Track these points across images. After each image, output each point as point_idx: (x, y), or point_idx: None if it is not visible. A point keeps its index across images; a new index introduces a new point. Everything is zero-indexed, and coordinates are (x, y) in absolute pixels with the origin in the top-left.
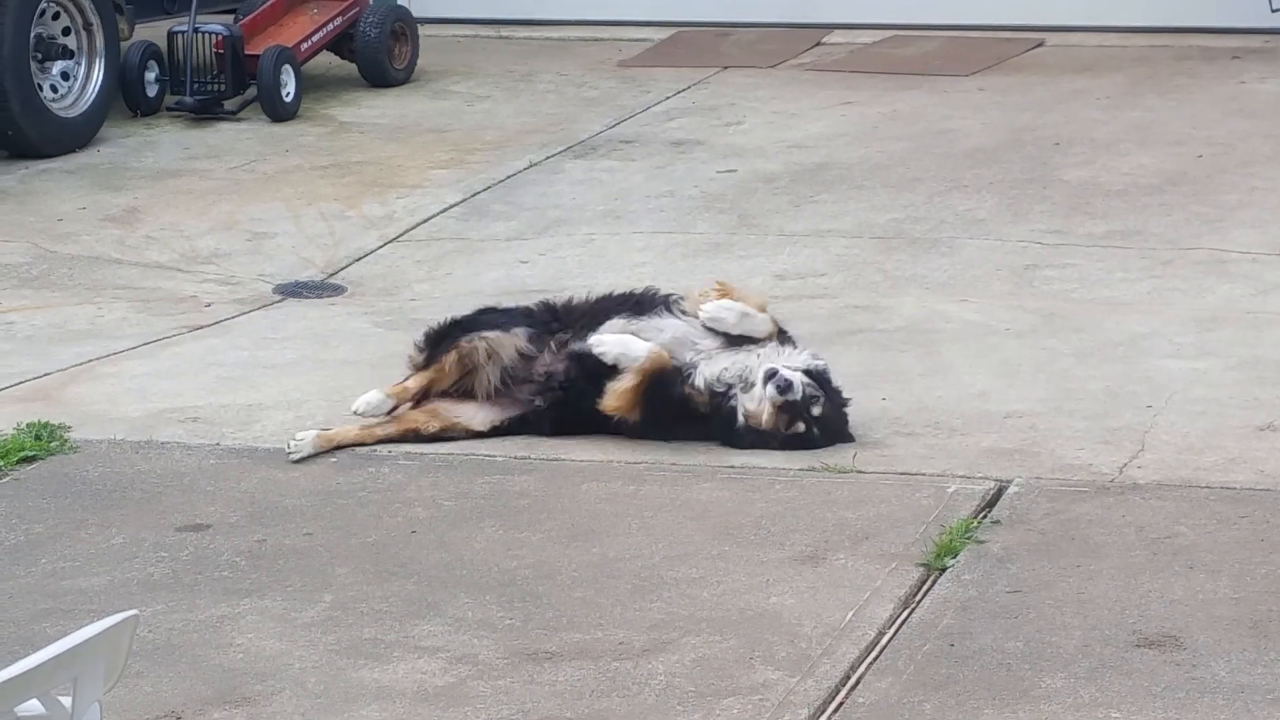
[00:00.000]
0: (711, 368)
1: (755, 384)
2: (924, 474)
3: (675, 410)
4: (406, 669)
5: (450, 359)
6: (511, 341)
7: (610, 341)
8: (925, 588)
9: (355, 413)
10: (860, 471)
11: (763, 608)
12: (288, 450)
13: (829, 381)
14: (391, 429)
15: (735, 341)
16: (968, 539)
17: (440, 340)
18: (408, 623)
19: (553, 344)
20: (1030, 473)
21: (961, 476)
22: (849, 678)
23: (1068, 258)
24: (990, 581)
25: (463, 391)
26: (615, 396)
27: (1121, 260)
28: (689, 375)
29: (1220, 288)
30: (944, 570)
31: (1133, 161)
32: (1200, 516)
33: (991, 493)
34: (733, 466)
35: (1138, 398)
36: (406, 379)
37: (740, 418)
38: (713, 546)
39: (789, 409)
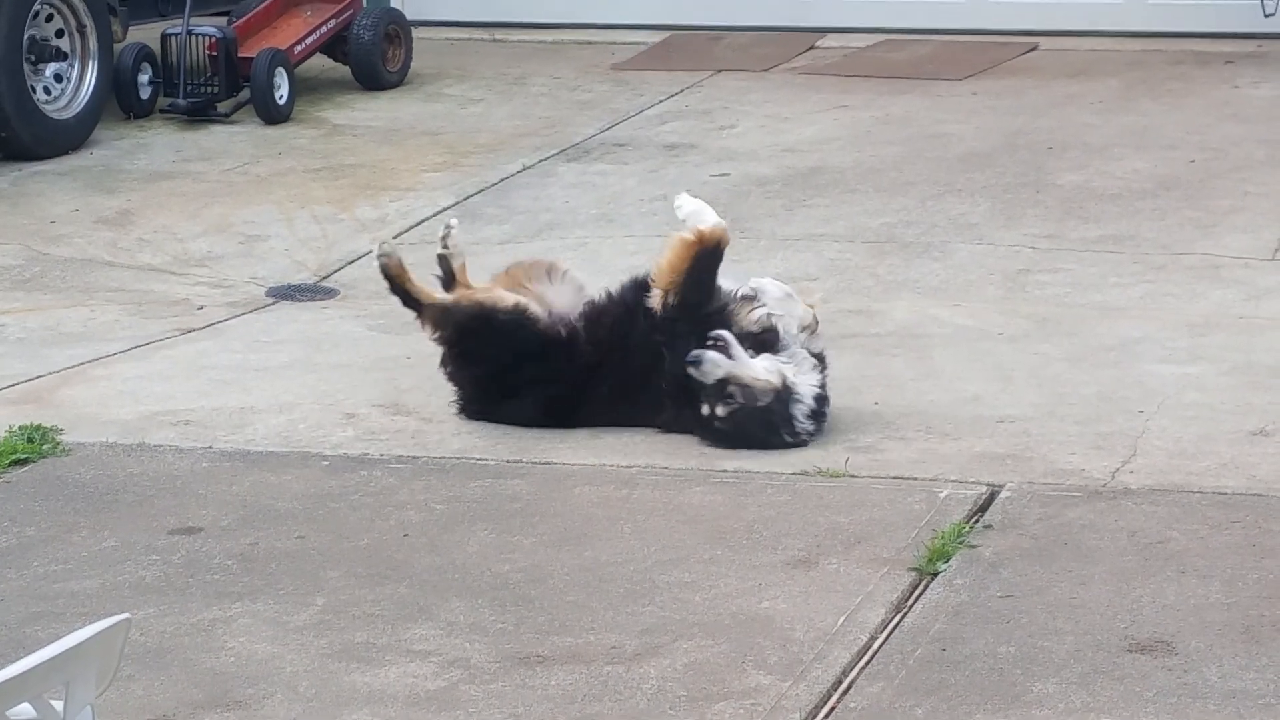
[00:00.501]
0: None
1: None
2: (916, 478)
3: (713, 309)
4: (398, 673)
5: (517, 268)
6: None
7: (689, 201)
8: (917, 592)
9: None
10: (853, 476)
11: (755, 612)
12: (375, 251)
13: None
14: (460, 295)
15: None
16: (960, 543)
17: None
18: (400, 626)
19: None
20: (1022, 477)
21: (954, 481)
22: (841, 682)
23: (1060, 262)
24: (982, 586)
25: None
26: (672, 247)
27: (1114, 265)
28: (751, 294)
29: (1213, 293)
30: (936, 575)
31: (1126, 166)
32: (1192, 522)
33: (984, 497)
34: (725, 470)
35: (1130, 403)
36: None
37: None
38: (705, 551)
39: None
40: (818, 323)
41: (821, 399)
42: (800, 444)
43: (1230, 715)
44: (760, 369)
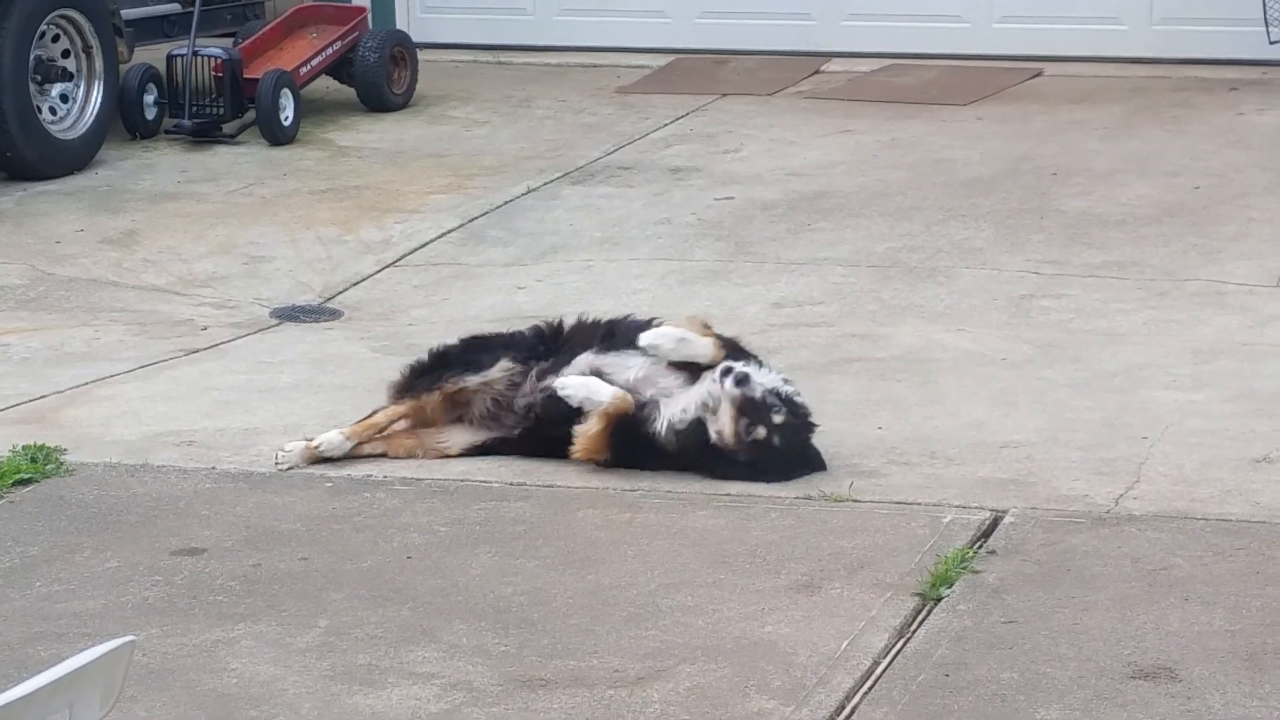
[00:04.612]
0: (672, 409)
1: (720, 399)
2: (920, 503)
3: (644, 449)
4: (401, 695)
5: (433, 399)
6: (495, 380)
7: (574, 384)
8: (920, 617)
9: (315, 448)
10: (856, 500)
11: (758, 636)
12: (276, 461)
13: (796, 404)
14: (379, 447)
15: (696, 375)
16: (963, 569)
17: (424, 374)
18: (402, 649)
19: (534, 374)
20: (1026, 503)
21: (957, 506)
22: (844, 707)
23: (1065, 288)
24: (985, 612)
25: (448, 420)
26: (583, 441)
27: (1118, 291)
28: (653, 418)
29: (1217, 319)
30: (939, 600)
31: (1130, 192)
32: (1196, 548)
33: (987, 523)
34: (729, 494)
35: (1134, 429)
36: (374, 413)
37: (713, 438)
38: (708, 574)
39: (748, 408)
40: (722, 350)
41: (788, 379)
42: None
43: None
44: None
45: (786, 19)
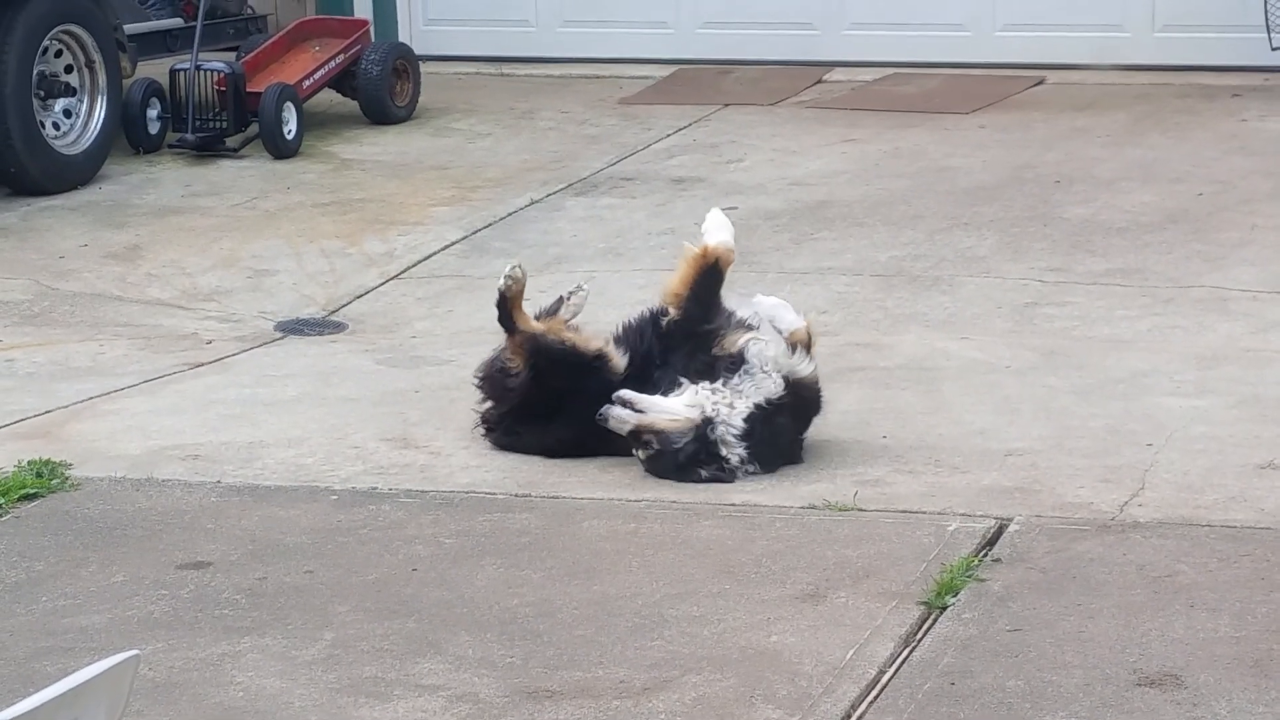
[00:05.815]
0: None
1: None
2: (925, 512)
3: (707, 329)
4: (407, 707)
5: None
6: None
7: (713, 217)
8: (926, 626)
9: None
10: (861, 509)
11: (763, 646)
12: (501, 280)
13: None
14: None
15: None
16: (968, 577)
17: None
18: (408, 661)
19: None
20: (1031, 511)
21: (962, 514)
22: (850, 716)
23: (1068, 295)
24: (991, 620)
25: None
26: (682, 258)
27: (1122, 298)
28: (751, 324)
29: (1221, 326)
30: (945, 609)
31: (1134, 199)
32: (1201, 555)
33: (992, 531)
34: (733, 504)
35: (1138, 436)
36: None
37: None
38: (713, 584)
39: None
40: (810, 336)
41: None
42: (727, 474)
43: None
44: (678, 407)
45: (789, 29)
